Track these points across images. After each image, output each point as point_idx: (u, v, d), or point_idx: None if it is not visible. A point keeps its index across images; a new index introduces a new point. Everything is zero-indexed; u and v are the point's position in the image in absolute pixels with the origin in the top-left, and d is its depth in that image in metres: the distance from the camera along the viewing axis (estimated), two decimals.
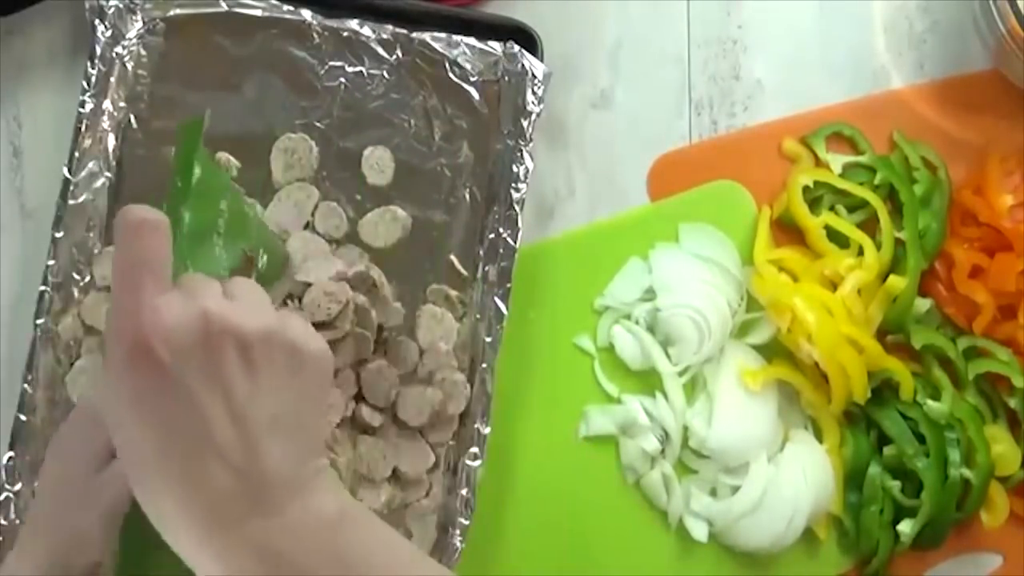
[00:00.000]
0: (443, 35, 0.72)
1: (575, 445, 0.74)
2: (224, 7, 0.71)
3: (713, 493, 0.73)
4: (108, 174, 0.71)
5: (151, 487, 0.43)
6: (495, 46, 0.71)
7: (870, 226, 0.73)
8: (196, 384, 0.42)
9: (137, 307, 0.43)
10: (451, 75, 0.72)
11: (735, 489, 0.72)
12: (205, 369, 0.43)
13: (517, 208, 0.70)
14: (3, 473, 0.68)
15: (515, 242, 0.70)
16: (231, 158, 0.71)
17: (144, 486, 0.44)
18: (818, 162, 0.76)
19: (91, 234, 0.70)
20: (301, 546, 0.44)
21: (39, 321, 0.68)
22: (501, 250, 0.70)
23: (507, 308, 0.69)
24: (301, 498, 0.45)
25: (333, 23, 0.72)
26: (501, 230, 0.70)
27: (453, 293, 0.71)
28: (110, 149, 0.71)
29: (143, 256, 0.43)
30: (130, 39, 0.71)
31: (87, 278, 0.70)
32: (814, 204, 0.74)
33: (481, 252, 0.71)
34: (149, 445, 0.43)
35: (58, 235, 0.69)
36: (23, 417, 0.68)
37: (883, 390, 0.73)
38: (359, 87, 0.72)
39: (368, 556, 0.46)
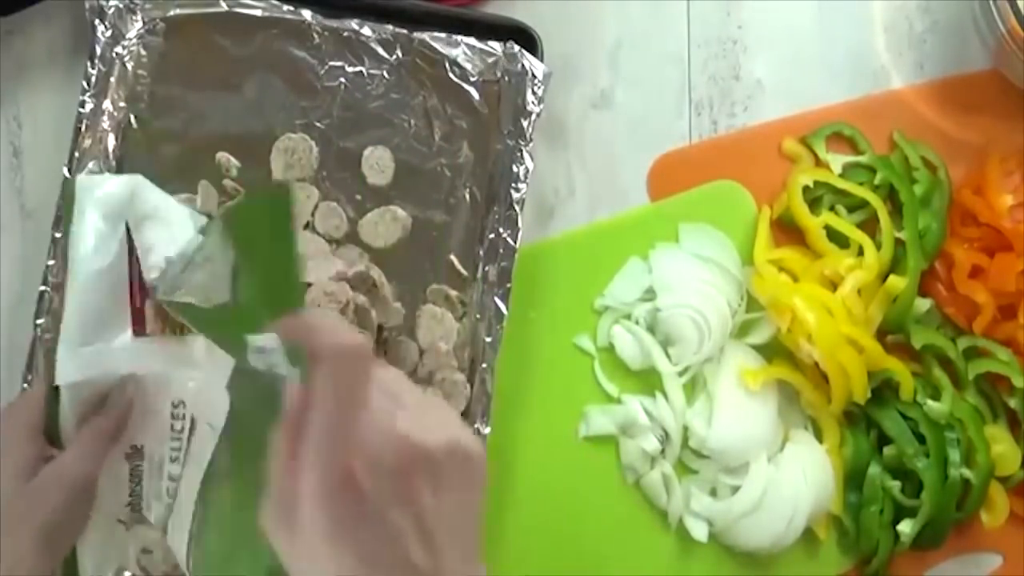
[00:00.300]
0: (443, 35, 0.72)
1: (575, 445, 0.74)
2: (224, 7, 0.71)
3: (713, 493, 0.73)
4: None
5: None
6: (495, 46, 0.71)
7: (870, 226, 0.73)
8: (392, 508, 0.43)
9: (346, 437, 0.42)
10: (451, 75, 0.72)
11: (735, 489, 0.72)
12: (399, 492, 0.43)
13: (517, 208, 0.70)
14: None
15: (515, 242, 0.70)
16: (231, 158, 0.71)
17: None
18: (818, 162, 0.76)
19: None
20: None
21: (39, 321, 0.68)
22: (501, 250, 0.70)
23: (507, 308, 0.69)
24: None
25: (333, 23, 0.72)
26: (501, 230, 0.70)
27: (453, 293, 0.71)
28: (110, 149, 0.71)
29: (355, 383, 0.43)
30: (130, 39, 0.71)
31: None
32: (814, 204, 0.74)
33: (481, 252, 0.71)
34: (344, 572, 0.42)
35: (58, 235, 0.69)
36: None
37: (883, 390, 0.73)
38: (359, 87, 0.72)
39: None
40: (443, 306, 0.70)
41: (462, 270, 0.71)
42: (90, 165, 0.70)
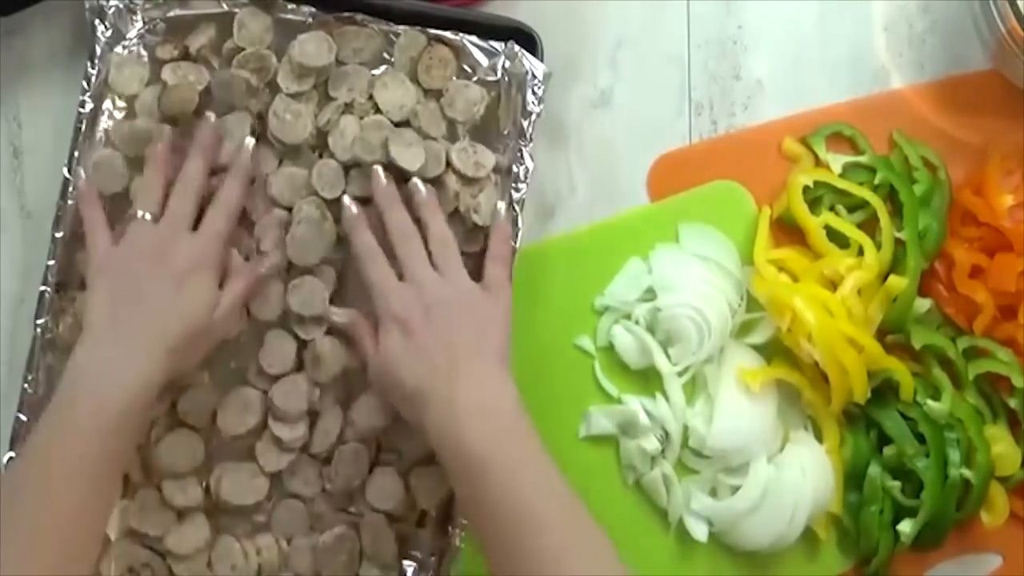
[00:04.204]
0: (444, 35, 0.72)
1: (575, 445, 0.74)
2: (224, 7, 0.71)
3: (713, 493, 0.73)
4: None
5: (405, 405, 0.64)
6: (495, 46, 0.71)
7: (870, 226, 0.73)
8: (431, 338, 0.64)
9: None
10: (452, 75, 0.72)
11: (735, 489, 0.72)
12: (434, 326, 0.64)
13: (517, 208, 0.70)
14: (3, 473, 0.68)
15: (515, 242, 0.70)
16: None
17: (400, 404, 0.65)
18: (818, 162, 0.76)
19: None
20: None
21: (39, 321, 0.68)
22: None
23: None
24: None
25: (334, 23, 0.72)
26: None
27: None
28: None
29: None
30: (130, 39, 0.71)
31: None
32: (814, 204, 0.74)
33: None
34: (409, 379, 0.63)
35: (58, 235, 0.69)
36: (23, 417, 0.68)
37: (883, 390, 0.73)
38: None
39: None
40: None
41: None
42: None
